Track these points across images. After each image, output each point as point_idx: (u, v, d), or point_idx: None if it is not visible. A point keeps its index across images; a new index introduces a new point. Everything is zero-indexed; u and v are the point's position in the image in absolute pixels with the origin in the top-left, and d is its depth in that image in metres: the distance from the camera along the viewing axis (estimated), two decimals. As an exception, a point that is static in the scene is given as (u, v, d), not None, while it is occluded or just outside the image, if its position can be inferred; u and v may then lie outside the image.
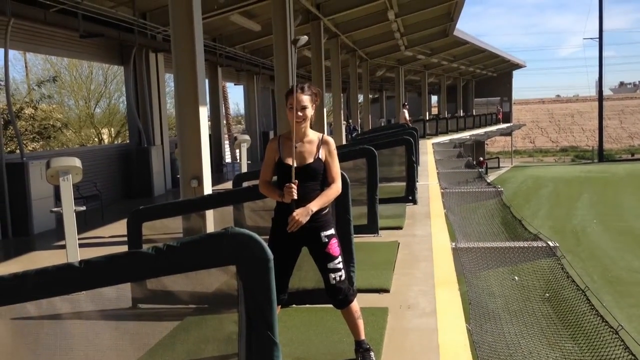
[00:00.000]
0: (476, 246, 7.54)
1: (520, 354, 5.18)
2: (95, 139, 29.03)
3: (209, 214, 7.65)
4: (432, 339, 4.28)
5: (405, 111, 27.25)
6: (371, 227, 7.62)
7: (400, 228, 8.10)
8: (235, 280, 2.47)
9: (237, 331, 2.49)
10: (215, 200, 5.85)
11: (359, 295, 4.99)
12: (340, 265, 3.70)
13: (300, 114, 3.59)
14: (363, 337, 3.82)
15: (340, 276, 3.69)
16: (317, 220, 3.69)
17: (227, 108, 38.61)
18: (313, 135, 3.72)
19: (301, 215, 3.55)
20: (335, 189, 3.71)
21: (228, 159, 21.48)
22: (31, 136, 19.98)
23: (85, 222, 10.08)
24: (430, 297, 5.18)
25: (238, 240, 2.44)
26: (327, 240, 3.68)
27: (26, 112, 19.94)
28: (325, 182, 3.72)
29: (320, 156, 3.68)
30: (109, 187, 12.67)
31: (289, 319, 4.65)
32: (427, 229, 7.98)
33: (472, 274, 6.92)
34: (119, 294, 2.73)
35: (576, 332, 5.43)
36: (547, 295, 6.54)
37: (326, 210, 3.75)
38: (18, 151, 11.08)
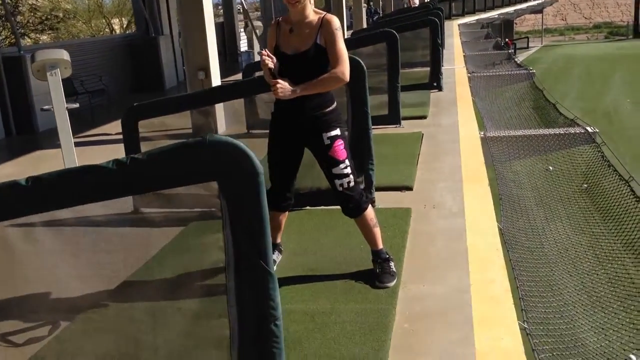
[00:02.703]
0: (507, 135, 7.02)
1: (555, 252, 4.79)
2: (107, 30, 28.09)
3: (219, 107, 7.12)
4: (460, 241, 3.86)
5: None
6: (392, 117, 7.11)
7: (424, 117, 7.62)
8: (218, 200, 1.98)
9: (224, 259, 2.03)
10: (219, 93, 5.30)
11: (379, 194, 4.57)
12: (348, 170, 3.20)
13: None
14: (381, 246, 3.39)
15: (349, 182, 3.21)
16: (319, 119, 3.16)
17: (242, -7, 36.92)
18: (313, 17, 3.13)
19: (283, 88, 3.00)
20: (333, 75, 3.09)
21: (244, 47, 20.53)
22: (33, 27, 19.19)
23: (92, 119, 9.67)
24: (458, 195, 4.71)
25: (219, 151, 1.94)
26: (329, 142, 3.17)
27: (29, 1, 19.04)
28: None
29: (319, 41, 3.10)
30: (116, 81, 12.03)
31: (301, 222, 4.26)
32: (454, 118, 7.46)
33: (502, 165, 6.43)
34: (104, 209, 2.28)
35: (619, 226, 4.97)
36: (585, 186, 6.06)
37: (330, 108, 3.20)
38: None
